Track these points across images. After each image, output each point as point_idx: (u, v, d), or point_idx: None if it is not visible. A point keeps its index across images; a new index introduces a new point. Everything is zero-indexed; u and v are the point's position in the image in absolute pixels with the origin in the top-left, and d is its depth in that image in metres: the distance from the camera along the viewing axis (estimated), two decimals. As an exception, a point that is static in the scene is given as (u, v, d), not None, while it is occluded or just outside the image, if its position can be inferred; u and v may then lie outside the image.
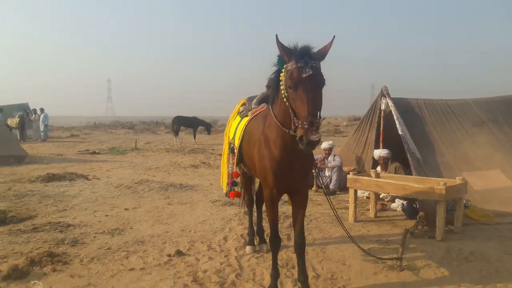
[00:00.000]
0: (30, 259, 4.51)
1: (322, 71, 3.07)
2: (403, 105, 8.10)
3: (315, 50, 3.08)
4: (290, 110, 3.04)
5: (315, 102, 2.92)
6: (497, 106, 8.55)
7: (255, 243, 5.12)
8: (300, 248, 3.81)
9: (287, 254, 4.84)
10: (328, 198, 4.46)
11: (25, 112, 22.91)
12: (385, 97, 8.05)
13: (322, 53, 3.10)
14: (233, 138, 4.69)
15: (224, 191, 5.32)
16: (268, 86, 4.25)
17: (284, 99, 3.12)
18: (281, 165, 3.49)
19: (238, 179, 4.89)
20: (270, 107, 3.56)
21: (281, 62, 3.24)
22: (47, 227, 5.94)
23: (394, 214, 6.81)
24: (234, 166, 4.67)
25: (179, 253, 4.86)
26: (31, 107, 25.16)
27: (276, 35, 3.12)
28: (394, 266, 4.44)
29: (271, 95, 3.58)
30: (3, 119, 20.60)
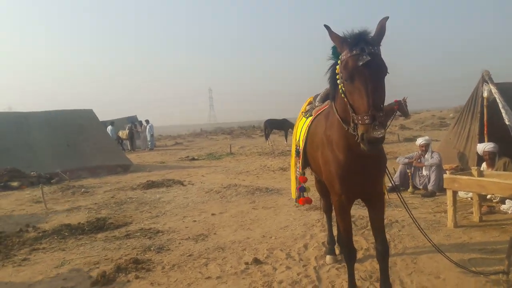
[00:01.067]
0: (117, 266, 4.74)
1: (383, 57, 2.68)
2: (510, 90, 7.05)
3: (372, 34, 2.70)
4: (349, 106, 2.68)
5: (376, 93, 2.55)
6: None
7: (336, 252, 4.79)
8: (382, 255, 3.45)
9: (372, 265, 4.42)
10: (402, 200, 3.90)
11: (133, 124, 24.96)
12: (487, 83, 7.09)
13: (380, 37, 2.71)
14: (299, 140, 4.44)
15: (293, 197, 5.06)
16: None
17: (342, 95, 2.79)
18: (348, 170, 3.12)
19: (307, 184, 4.57)
20: (332, 103, 3.23)
21: (336, 53, 2.91)
22: (138, 233, 6.25)
23: (504, 218, 5.91)
24: (301, 170, 4.40)
25: (256, 261, 4.74)
26: (140, 119, 27.37)
27: (326, 25, 2.82)
28: (500, 281, 3.79)
29: (331, 91, 3.24)
30: (114, 132, 22.73)
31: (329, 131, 3.29)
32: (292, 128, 21.64)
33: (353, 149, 2.99)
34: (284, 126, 22.35)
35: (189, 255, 5.14)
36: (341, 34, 2.79)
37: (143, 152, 23.19)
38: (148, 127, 24.87)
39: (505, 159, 6.47)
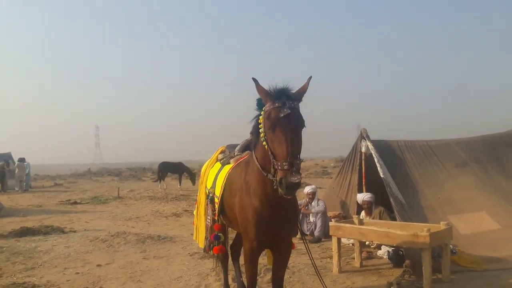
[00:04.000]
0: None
1: (301, 112, 2.99)
2: (384, 147, 8.01)
3: (294, 91, 3.03)
4: (270, 153, 2.90)
5: (294, 143, 2.82)
6: (479, 145, 8.51)
7: (231, 302, 4.77)
8: None
9: (265, 313, 4.49)
10: (308, 249, 4.19)
11: (5, 163, 22.39)
12: (365, 139, 7.96)
13: (301, 94, 3.04)
14: (213, 187, 4.45)
15: (201, 246, 4.99)
16: (252, 133, 4.12)
17: (264, 143, 3.01)
18: (263, 216, 3.27)
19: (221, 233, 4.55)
20: (252, 152, 3.42)
21: (260, 105, 3.17)
22: (9, 289, 5.51)
23: (380, 262, 6.50)
24: (216, 218, 4.35)
25: (148, 316, 4.49)
26: (18, 157, 24.62)
27: (254, 78, 3.11)
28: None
29: (253, 140, 3.46)
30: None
31: (248, 177, 3.45)
32: (188, 172, 21.38)
33: (269, 196, 3.18)
34: (179, 169, 21.90)
35: (71, 313, 4.67)
36: (266, 87, 3.07)
37: (16, 193, 20.79)
38: (23, 165, 22.51)
39: (380, 208, 7.20)
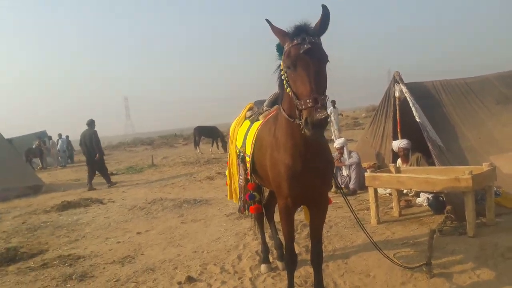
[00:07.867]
0: (33, 303, 4.27)
1: (323, 47, 2.76)
2: (418, 89, 7.58)
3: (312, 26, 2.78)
4: (292, 94, 2.72)
5: (318, 79, 2.62)
6: (520, 79, 7.94)
7: (271, 259, 4.75)
8: (317, 260, 3.55)
9: (305, 270, 4.43)
10: (346, 200, 4.07)
11: (41, 140, 23.10)
12: (399, 83, 7.52)
13: (320, 27, 2.77)
14: (243, 146, 4.31)
15: (236, 202, 4.94)
16: (279, 86, 3.94)
17: (287, 89, 2.82)
18: (295, 170, 3.11)
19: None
20: (280, 105, 3.24)
21: (280, 50, 2.95)
22: (57, 261, 5.70)
23: (420, 210, 6.31)
24: (249, 177, 4.25)
25: (190, 279, 4.54)
26: (53, 133, 25.49)
27: (267, 20, 2.89)
28: (424, 272, 4.00)
29: (280, 93, 3.27)
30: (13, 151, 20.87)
31: (278, 132, 3.28)
32: (222, 137, 21.18)
33: (301, 149, 3.03)
34: (213, 134, 21.82)
35: (116, 281, 4.78)
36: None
37: (55, 169, 21.55)
38: (60, 141, 23.24)
39: (417, 154, 6.92)
